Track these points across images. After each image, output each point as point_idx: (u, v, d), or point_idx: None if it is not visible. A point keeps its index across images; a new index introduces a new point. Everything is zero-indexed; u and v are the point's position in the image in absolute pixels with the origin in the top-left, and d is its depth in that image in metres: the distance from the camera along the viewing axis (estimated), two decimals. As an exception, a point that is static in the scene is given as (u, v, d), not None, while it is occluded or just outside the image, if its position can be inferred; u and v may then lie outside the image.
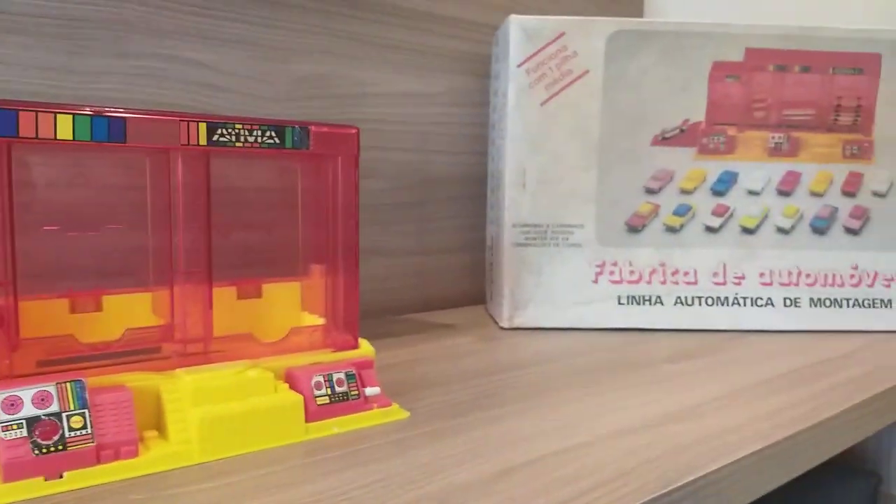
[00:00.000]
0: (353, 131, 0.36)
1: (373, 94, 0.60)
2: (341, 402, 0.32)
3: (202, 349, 0.32)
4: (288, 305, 0.37)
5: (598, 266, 0.54)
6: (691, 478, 0.27)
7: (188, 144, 0.31)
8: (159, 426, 0.29)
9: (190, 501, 0.25)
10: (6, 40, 0.43)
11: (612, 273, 0.55)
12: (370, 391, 0.33)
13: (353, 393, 0.33)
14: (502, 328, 0.55)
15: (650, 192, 0.54)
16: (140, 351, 0.31)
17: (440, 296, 0.66)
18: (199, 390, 0.29)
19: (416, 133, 0.63)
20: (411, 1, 0.62)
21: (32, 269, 0.30)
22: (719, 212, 0.54)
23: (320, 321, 0.36)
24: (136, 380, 0.29)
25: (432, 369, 0.42)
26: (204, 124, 0.31)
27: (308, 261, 0.38)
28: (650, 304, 0.55)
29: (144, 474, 0.27)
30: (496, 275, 0.57)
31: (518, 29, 0.53)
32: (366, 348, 0.36)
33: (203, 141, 0.32)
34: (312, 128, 0.35)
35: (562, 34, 0.53)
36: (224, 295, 0.34)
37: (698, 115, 0.54)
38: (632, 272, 0.55)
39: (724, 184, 0.54)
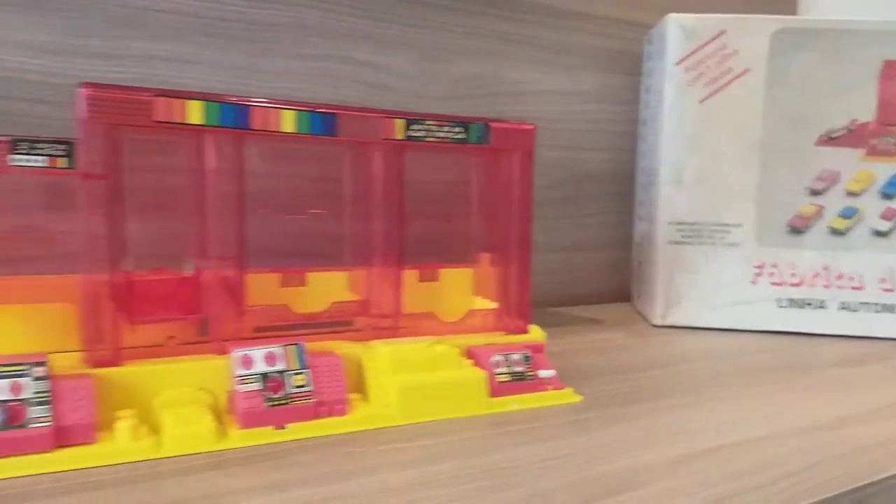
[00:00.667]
0: (530, 128, 0.38)
1: (525, 93, 0.62)
2: (519, 381, 0.34)
3: (392, 324, 0.35)
4: (461, 289, 0.40)
5: (756, 267, 0.54)
6: (878, 477, 0.27)
7: (387, 139, 0.34)
8: (360, 390, 0.32)
9: (398, 457, 0.27)
10: (204, 42, 0.49)
11: (771, 274, 0.53)
12: (544, 373, 0.35)
13: (529, 373, 0.35)
14: (654, 325, 0.55)
15: (814, 192, 0.53)
16: (340, 322, 0.35)
17: (584, 291, 0.67)
18: (396, 360, 0.32)
19: (567, 130, 0.65)
20: (564, 1, 0.63)
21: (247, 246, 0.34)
22: (888, 215, 0.52)
23: (493, 305, 0.38)
24: (341, 347, 0.32)
25: (590, 360, 0.44)
26: (402, 120, 0.34)
27: (479, 249, 0.41)
28: (812, 308, 0.53)
29: (353, 431, 0.30)
30: (647, 272, 0.57)
31: (676, 27, 0.53)
32: (536, 333, 0.38)
33: (400, 136, 0.34)
34: (493, 124, 0.37)
35: (722, 32, 0.52)
36: (409, 277, 0.37)
37: (866, 115, 0.52)
38: (793, 274, 0.53)
39: (895, 187, 0.52)
